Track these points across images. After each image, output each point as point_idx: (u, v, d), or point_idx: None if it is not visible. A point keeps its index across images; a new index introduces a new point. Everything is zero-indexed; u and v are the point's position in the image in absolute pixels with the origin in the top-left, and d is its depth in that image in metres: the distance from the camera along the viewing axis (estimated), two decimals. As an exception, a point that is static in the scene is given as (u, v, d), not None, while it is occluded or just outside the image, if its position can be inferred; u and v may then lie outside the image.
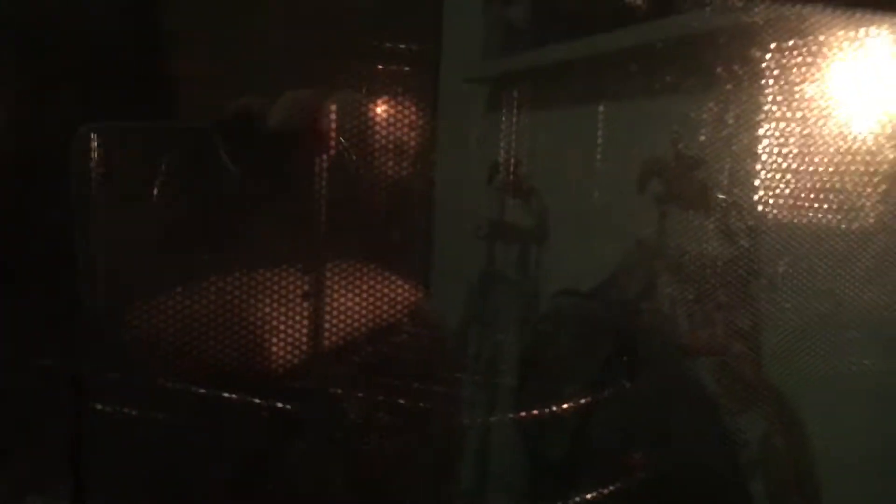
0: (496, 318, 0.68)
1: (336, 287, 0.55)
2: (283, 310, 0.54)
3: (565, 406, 0.70)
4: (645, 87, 0.64)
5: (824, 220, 0.66)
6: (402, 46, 0.55)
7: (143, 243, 0.53)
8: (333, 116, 0.53)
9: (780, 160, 0.65)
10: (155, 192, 0.52)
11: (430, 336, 0.63)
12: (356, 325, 0.55)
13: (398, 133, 0.55)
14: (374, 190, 0.55)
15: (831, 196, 0.65)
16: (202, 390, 0.54)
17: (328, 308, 0.55)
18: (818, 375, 0.69)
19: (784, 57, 0.62)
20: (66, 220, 0.51)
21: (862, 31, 0.60)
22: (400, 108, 0.55)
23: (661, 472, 0.72)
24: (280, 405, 0.57)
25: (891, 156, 0.64)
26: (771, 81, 0.63)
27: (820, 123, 0.63)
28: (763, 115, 0.64)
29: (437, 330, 0.64)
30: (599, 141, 0.65)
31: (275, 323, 0.54)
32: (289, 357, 0.55)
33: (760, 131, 0.64)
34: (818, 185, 0.65)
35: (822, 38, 0.61)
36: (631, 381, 0.70)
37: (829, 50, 0.61)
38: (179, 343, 0.53)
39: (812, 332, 0.68)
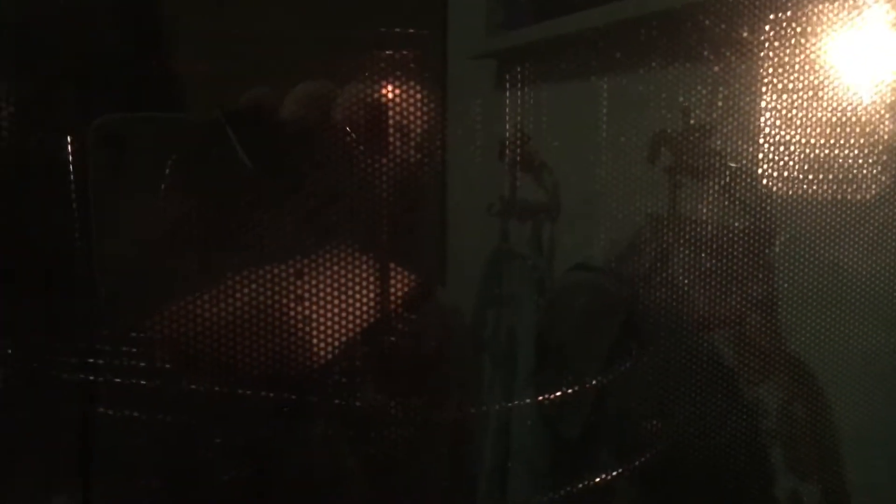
0: (510, 294, 0.68)
1: (354, 275, 0.55)
2: (307, 302, 0.54)
3: (582, 382, 0.70)
4: (655, 57, 0.63)
5: (840, 190, 0.66)
6: (407, 27, 0.55)
7: (156, 236, 0.53)
8: (346, 106, 0.53)
9: (793, 128, 0.64)
10: (168, 184, 0.52)
11: (445, 316, 0.63)
12: (375, 311, 0.56)
13: (407, 116, 0.55)
14: (385, 175, 0.55)
15: (846, 165, 0.65)
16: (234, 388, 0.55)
17: (348, 296, 0.55)
18: (835, 346, 0.69)
19: (793, 23, 0.61)
20: (76, 214, 0.51)
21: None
22: (408, 90, 0.55)
23: (679, 446, 0.72)
24: (308, 397, 0.58)
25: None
26: (781, 47, 0.62)
27: (834, 89, 0.62)
28: (775, 82, 0.64)
29: (451, 309, 0.65)
30: (610, 113, 0.64)
31: (304, 315, 0.54)
32: (319, 348, 0.56)
33: (774, 98, 0.63)
34: (832, 154, 0.64)
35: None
36: (646, 355, 0.70)
37: (841, 15, 0.60)
38: (218, 341, 0.54)
39: (827, 303, 0.68)
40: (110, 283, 0.52)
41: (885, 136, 0.69)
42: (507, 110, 0.63)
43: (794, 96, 0.66)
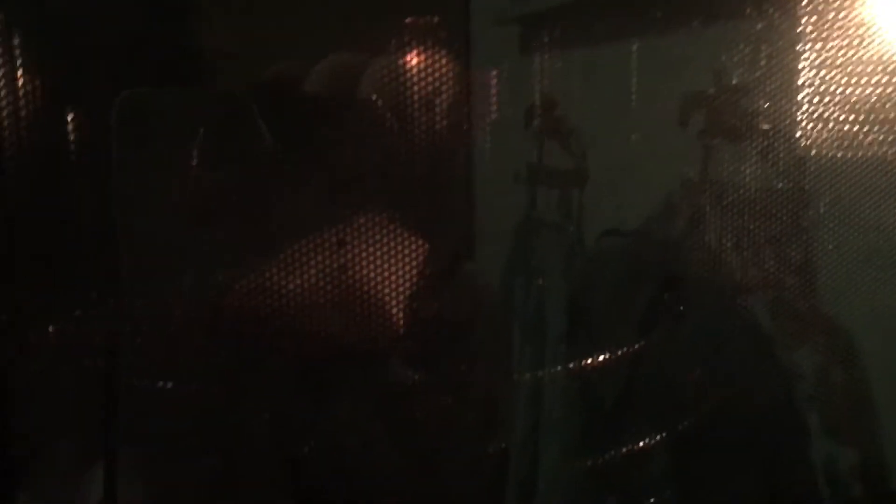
0: (540, 262, 0.67)
1: (384, 245, 0.55)
2: (340, 275, 0.54)
3: (616, 349, 0.69)
4: (686, 17, 0.62)
5: (878, 150, 0.64)
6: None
7: (180, 210, 0.53)
8: (374, 78, 0.52)
9: (829, 88, 0.63)
10: (192, 158, 0.52)
11: (475, 285, 0.63)
12: (407, 281, 0.56)
13: (433, 86, 0.54)
14: (413, 146, 0.54)
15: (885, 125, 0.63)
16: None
17: (381, 267, 0.55)
18: (873, 309, 0.68)
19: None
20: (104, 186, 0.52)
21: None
22: (432, 59, 0.54)
23: (716, 411, 0.71)
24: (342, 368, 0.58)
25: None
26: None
27: (872, 48, 0.60)
28: (811, 41, 0.62)
29: (482, 278, 0.64)
30: (640, 76, 0.63)
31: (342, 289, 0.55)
32: (360, 320, 0.56)
33: (808, 58, 0.62)
34: (870, 114, 0.63)
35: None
36: (681, 320, 0.70)
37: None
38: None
39: (865, 266, 0.67)
40: (133, 256, 0.52)
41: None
42: (534, 76, 0.62)
43: (837, 52, 0.64)
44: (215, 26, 0.53)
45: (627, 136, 0.63)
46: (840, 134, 0.66)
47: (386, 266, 0.55)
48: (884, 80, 0.64)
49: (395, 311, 0.57)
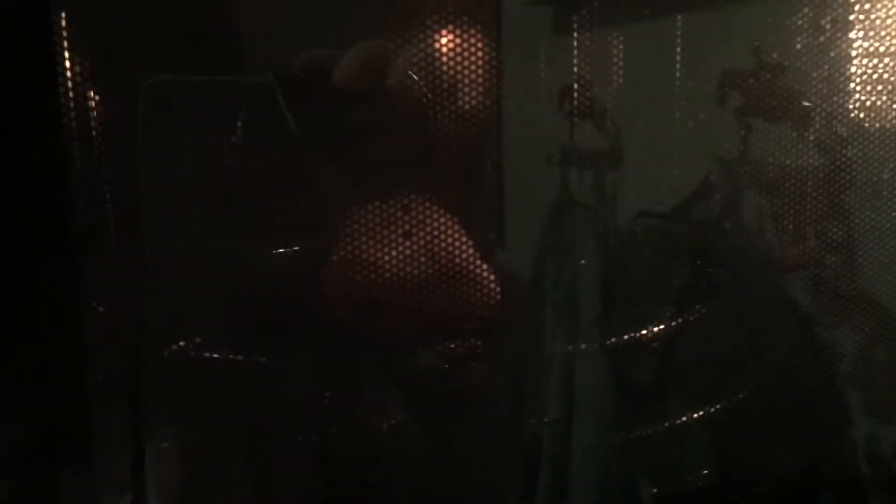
0: (574, 244, 0.66)
1: (420, 229, 0.55)
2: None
3: (652, 329, 0.69)
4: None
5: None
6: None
7: (204, 194, 0.53)
8: (404, 64, 0.52)
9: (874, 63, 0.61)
10: (217, 144, 0.52)
11: (508, 268, 0.62)
12: (441, 263, 0.55)
13: (464, 68, 0.53)
14: (444, 130, 0.54)
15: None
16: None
17: (418, 251, 0.55)
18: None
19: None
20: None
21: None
22: (464, 41, 0.53)
23: (755, 390, 0.71)
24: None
25: None
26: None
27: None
28: (855, 15, 0.60)
29: (514, 261, 0.64)
30: (676, 55, 0.62)
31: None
32: (400, 302, 0.56)
33: (852, 34, 0.60)
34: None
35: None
36: (719, 300, 0.69)
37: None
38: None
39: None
40: (158, 236, 0.52)
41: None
42: (567, 56, 0.61)
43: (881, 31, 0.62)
44: (241, 12, 0.53)
45: (662, 115, 0.62)
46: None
47: (415, 255, 0.55)
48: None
49: (425, 295, 0.57)
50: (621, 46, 0.61)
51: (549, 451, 0.71)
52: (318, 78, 0.50)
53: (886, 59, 0.62)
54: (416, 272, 0.55)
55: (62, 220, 0.51)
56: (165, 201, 0.53)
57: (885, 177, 0.65)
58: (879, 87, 0.63)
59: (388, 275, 0.55)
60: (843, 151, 0.65)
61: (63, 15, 0.49)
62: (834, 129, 0.64)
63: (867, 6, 0.62)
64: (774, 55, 0.61)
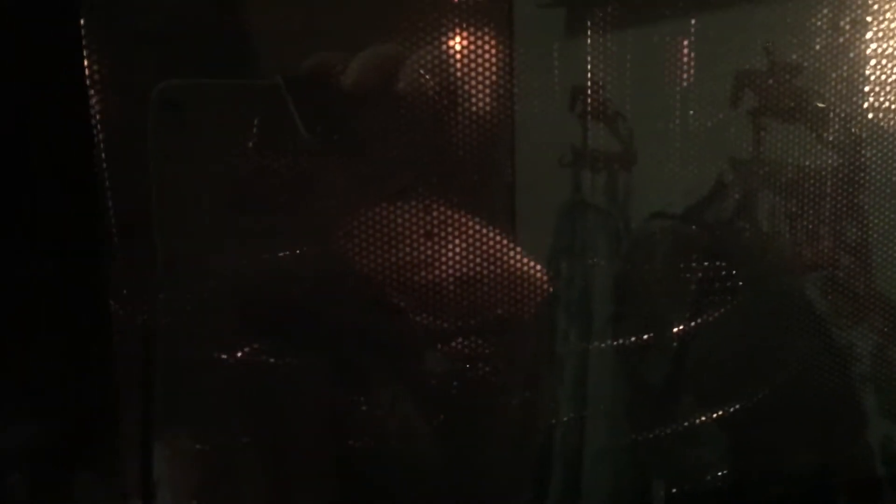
0: (586, 246, 0.66)
1: (434, 232, 0.55)
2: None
3: (666, 330, 0.69)
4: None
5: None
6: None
7: (215, 198, 0.54)
8: (416, 66, 0.52)
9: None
10: (227, 147, 0.52)
11: (521, 269, 0.62)
12: (455, 265, 0.56)
13: (476, 70, 0.53)
14: (455, 133, 0.54)
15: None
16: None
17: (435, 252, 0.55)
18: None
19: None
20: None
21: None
22: (476, 43, 0.53)
23: (770, 392, 0.71)
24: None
25: None
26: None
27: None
28: (869, 15, 0.60)
29: (528, 263, 0.64)
30: (689, 56, 0.61)
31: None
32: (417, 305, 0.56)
33: (867, 33, 0.59)
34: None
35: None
36: (733, 301, 0.68)
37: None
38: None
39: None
40: (169, 237, 0.52)
41: None
42: (581, 57, 0.60)
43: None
44: (253, 16, 0.53)
45: (675, 116, 0.62)
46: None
47: (428, 257, 0.55)
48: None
49: (440, 299, 0.57)
50: (635, 47, 0.61)
51: (561, 452, 0.71)
52: (327, 81, 0.51)
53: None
54: (463, 274, 0.56)
55: (88, 221, 0.52)
56: (182, 203, 0.53)
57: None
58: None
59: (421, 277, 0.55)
60: (860, 152, 0.65)
61: (86, 19, 0.50)
62: (850, 129, 0.63)
63: (885, 7, 0.61)
64: (791, 56, 0.61)
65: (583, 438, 0.71)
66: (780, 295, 0.70)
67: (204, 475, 0.61)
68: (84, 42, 0.49)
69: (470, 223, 0.57)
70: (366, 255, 0.54)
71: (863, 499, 0.77)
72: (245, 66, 0.52)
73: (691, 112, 0.62)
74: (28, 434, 0.55)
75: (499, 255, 0.59)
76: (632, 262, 0.67)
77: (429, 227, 0.55)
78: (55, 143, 0.50)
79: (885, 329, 0.71)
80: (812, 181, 0.65)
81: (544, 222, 0.63)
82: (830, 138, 0.63)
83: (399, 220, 0.55)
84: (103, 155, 0.50)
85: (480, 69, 0.54)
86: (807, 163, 0.64)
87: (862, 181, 0.66)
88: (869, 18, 0.61)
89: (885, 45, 0.62)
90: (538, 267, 0.63)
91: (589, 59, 0.60)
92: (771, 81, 0.61)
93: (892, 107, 0.64)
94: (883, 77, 0.62)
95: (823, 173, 0.65)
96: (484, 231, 0.57)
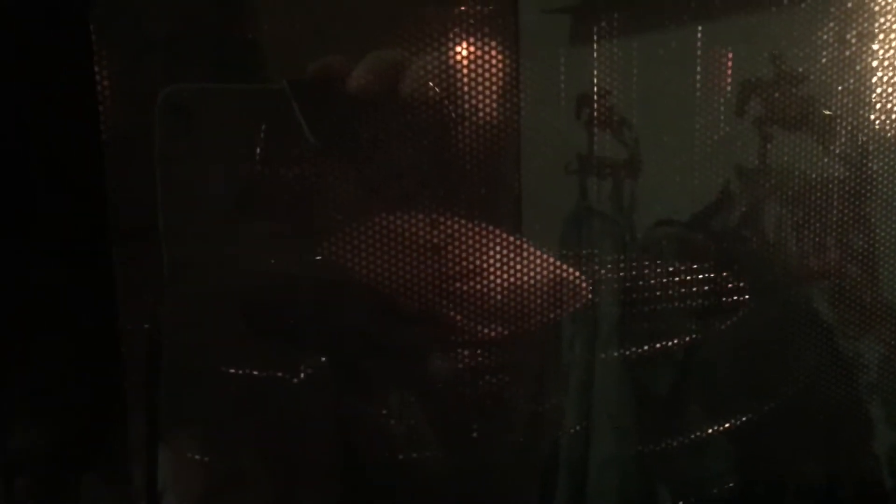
0: (592, 253, 0.66)
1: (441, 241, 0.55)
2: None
3: (672, 340, 0.69)
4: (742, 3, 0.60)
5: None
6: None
7: (221, 202, 0.54)
8: (421, 73, 0.52)
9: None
10: (232, 152, 0.52)
11: (526, 275, 0.62)
12: (460, 271, 0.56)
13: (481, 77, 0.53)
14: (461, 140, 0.54)
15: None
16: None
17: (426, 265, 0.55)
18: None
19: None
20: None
21: None
22: (480, 51, 0.53)
23: (776, 403, 0.70)
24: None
25: None
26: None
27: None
28: (875, 24, 0.60)
29: (532, 269, 0.64)
30: (695, 65, 0.62)
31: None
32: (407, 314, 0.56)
33: (873, 43, 0.60)
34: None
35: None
36: (739, 311, 0.68)
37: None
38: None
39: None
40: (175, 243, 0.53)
41: None
42: (587, 64, 0.61)
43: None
44: (259, 21, 0.53)
45: (681, 124, 0.62)
46: None
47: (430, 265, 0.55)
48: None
49: (443, 303, 0.57)
50: (641, 55, 0.61)
51: (568, 463, 0.71)
52: (333, 86, 0.51)
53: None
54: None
55: (95, 225, 0.52)
56: (188, 207, 0.54)
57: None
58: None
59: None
60: (867, 163, 0.64)
61: (95, 24, 0.50)
62: (857, 140, 0.63)
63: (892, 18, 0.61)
64: (797, 66, 0.61)
65: (588, 449, 0.70)
66: (786, 305, 0.70)
67: (210, 483, 0.61)
68: (93, 47, 0.49)
69: (476, 231, 0.57)
70: (373, 260, 0.54)
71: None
72: (251, 70, 0.53)
73: (697, 120, 0.62)
74: (34, 438, 0.55)
75: (506, 262, 0.59)
76: (638, 270, 0.67)
77: (434, 236, 0.55)
78: (63, 146, 0.51)
79: (893, 340, 0.71)
80: (819, 191, 0.65)
81: (550, 230, 0.63)
82: (837, 150, 0.63)
83: (405, 226, 0.55)
84: (110, 158, 0.50)
85: (487, 75, 0.54)
86: (813, 174, 0.64)
87: (869, 192, 0.66)
88: (876, 30, 0.61)
89: (893, 56, 0.62)
90: (546, 275, 0.64)
91: (595, 67, 0.60)
92: (779, 93, 0.61)
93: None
94: (890, 88, 0.62)
95: (830, 183, 0.65)
96: (490, 238, 0.57)
